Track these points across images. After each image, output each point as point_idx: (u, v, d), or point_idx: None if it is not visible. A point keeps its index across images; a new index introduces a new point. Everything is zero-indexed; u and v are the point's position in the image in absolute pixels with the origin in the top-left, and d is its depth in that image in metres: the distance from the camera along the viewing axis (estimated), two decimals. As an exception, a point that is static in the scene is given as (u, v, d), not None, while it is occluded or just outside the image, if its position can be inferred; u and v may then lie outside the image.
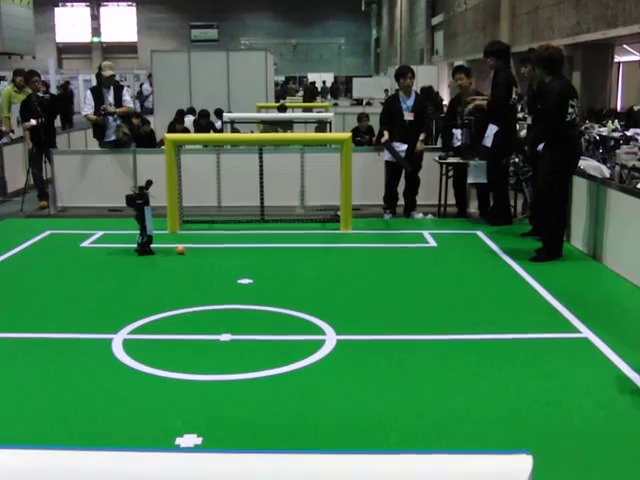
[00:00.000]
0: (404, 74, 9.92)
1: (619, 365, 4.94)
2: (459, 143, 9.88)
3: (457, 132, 9.91)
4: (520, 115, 11.68)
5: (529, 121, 8.38)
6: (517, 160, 8.36)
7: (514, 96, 9.20)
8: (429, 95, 18.08)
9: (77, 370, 4.93)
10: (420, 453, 1.96)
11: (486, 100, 9.17)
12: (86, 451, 2.09)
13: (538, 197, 7.93)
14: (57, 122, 13.02)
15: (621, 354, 5.11)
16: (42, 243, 8.69)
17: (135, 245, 7.96)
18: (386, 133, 9.76)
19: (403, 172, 9.93)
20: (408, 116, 9.82)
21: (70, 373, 4.88)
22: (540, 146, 7.82)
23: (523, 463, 1.85)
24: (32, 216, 10.65)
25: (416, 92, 10.31)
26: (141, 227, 7.89)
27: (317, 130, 14.99)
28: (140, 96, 26.52)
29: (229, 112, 15.51)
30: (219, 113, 15.59)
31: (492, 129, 9.16)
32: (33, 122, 11.00)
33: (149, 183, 8.05)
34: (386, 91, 32.44)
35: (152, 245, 7.98)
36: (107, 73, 10.88)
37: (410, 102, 9.88)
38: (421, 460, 1.97)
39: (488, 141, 9.19)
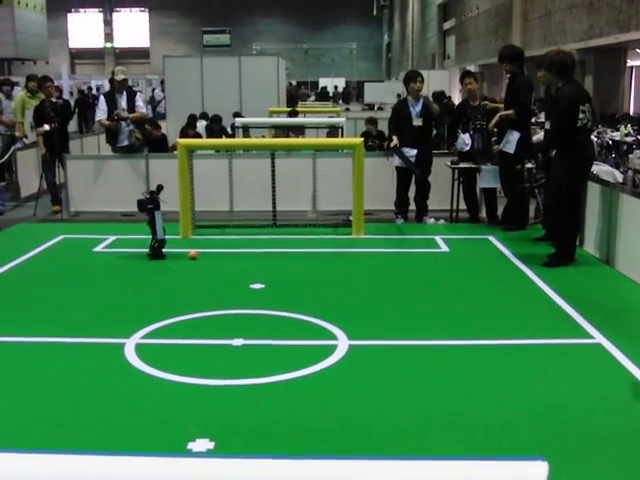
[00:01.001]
0: (413, 78, 9.91)
1: (632, 370, 4.92)
2: (467, 148, 9.85)
3: (465, 137, 9.89)
4: (533, 120, 11.66)
5: (547, 126, 8.33)
6: (530, 166, 8.31)
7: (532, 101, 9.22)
8: (440, 100, 18.05)
9: (90, 374, 4.94)
10: (434, 459, 1.95)
11: (514, 109, 9.08)
12: (99, 455, 2.09)
13: (551, 203, 7.89)
14: (74, 126, 13.07)
15: (634, 359, 5.08)
16: (55, 248, 8.73)
17: (147, 249, 7.99)
18: (395, 138, 9.75)
19: (413, 177, 9.92)
20: (417, 121, 9.80)
21: (83, 377, 4.89)
22: (553, 152, 7.79)
23: (539, 469, 1.84)
24: (45, 221, 10.70)
25: (425, 97, 10.23)
26: (153, 231, 7.92)
27: (329, 135, 15.00)
28: (152, 101, 26.63)
29: (241, 117, 15.55)
30: (236, 116, 15.61)
31: (515, 135, 9.09)
32: (46, 127, 11.06)
33: (160, 188, 8.08)
34: (398, 95, 32.34)
35: (164, 249, 8.00)
36: (119, 77, 10.91)
37: (419, 107, 9.86)
38: (435, 466, 1.97)
39: (509, 147, 9.13)
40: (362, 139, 9.84)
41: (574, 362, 5.13)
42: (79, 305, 6.49)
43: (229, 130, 15.20)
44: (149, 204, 7.94)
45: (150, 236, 7.96)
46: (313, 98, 35.81)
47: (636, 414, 4.31)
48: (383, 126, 14.17)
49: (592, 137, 9.75)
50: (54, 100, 11.34)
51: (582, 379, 4.83)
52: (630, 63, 19.80)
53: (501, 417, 4.25)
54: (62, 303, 6.57)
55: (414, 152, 9.75)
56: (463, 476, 1.89)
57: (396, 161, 9.87)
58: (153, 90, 31.23)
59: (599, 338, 5.54)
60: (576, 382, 4.77)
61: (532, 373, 4.91)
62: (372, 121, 14.71)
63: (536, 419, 4.22)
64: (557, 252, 7.74)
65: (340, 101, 37.16)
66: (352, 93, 44.89)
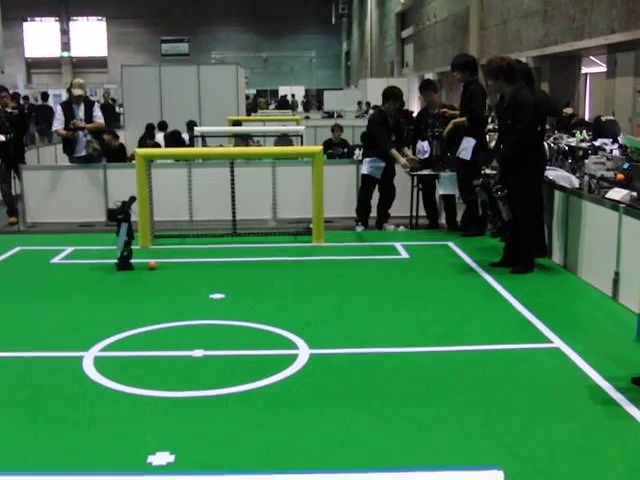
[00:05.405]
0: (399, 96, 9.96)
1: (590, 374, 4.98)
2: (426, 155, 9.93)
3: (423, 144, 9.97)
4: (490, 126, 11.80)
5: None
6: (488, 173, 8.06)
7: (486, 108, 9.31)
8: (400, 108, 18.15)
9: (47, 389, 4.86)
10: (391, 470, 1.95)
11: (466, 116, 9.17)
12: (58, 475, 2.06)
13: (522, 210, 7.59)
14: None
15: (592, 363, 5.14)
16: (12, 259, 8.60)
17: (113, 260, 7.90)
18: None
19: (377, 186, 9.93)
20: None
21: (40, 392, 4.81)
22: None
23: (494, 478, 1.84)
24: (1, 232, 10.53)
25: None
26: (125, 241, 7.83)
27: (277, 143, 14.89)
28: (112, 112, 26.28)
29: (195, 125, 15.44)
30: (190, 126, 15.50)
31: (470, 142, 9.17)
32: (2, 138, 10.90)
33: (132, 199, 8.06)
34: (359, 103, 32.51)
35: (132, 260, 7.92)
36: (76, 92, 10.80)
37: (392, 121, 9.93)
38: (393, 477, 1.97)
39: (465, 154, 9.21)
40: (321, 147, 9.84)
41: (533, 367, 5.17)
42: (36, 318, 6.39)
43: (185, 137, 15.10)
44: (119, 214, 7.87)
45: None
46: (273, 107, 35.81)
47: (593, 418, 4.35)
48: (347, 134, 14.22)
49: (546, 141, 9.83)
50: (9, 110, 11.17)
51: (541, 384, 4.86)
52: (585, 70, 20.10)
53: (459, 425, 4.25)
54: (18, 316, 6.45)
55: (383, 164, 9.76)
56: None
57: (363, 169, 9.88)
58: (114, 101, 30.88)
59: (557, 342, 5.60)
60: (534, 387, 4.81)
61: (491, 379, 4.94)
62: (339, 128, 14.82)
63: (494, 425, 4.24)
64: (524, 259, 7.70)
65: (300, 109, 37.16)
66: (312, 102, 44.94)
